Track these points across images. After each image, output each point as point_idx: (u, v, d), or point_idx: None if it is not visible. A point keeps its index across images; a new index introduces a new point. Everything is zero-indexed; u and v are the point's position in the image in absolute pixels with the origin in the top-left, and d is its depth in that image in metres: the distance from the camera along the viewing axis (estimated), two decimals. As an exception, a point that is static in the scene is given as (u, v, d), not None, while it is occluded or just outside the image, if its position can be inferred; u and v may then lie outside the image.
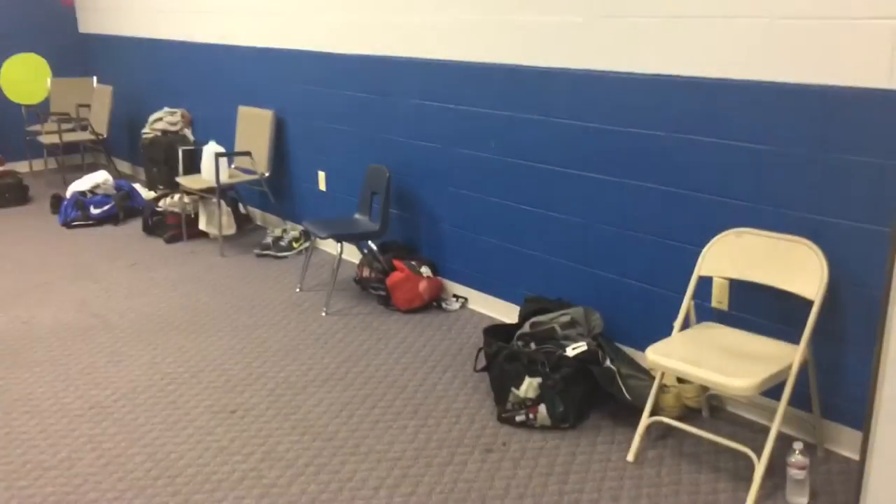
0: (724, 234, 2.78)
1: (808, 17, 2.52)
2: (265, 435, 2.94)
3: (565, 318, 3.18)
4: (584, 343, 3.02)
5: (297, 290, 4.39)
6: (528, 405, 2.92)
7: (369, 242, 4.23)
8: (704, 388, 2.94)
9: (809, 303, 2.52)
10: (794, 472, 2.42)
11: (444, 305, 4.07)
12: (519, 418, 2.94)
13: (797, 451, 2.41)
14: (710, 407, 3.02)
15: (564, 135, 3.40)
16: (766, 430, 2.49)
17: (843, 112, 2.50)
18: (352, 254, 4.74)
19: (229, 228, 5.34)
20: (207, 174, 5.09)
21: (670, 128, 2.99)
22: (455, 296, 4.15)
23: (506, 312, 3.88)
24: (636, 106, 3.09)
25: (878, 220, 2.49)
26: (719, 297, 2.96)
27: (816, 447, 2.72)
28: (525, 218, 3.68)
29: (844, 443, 2.71)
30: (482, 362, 3.26)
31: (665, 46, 2.94)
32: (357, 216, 4.40)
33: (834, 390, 2.70)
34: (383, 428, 2.96)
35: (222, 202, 5.19)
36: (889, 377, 1.97)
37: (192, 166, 5.53)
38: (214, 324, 3.96)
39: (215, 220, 5.19)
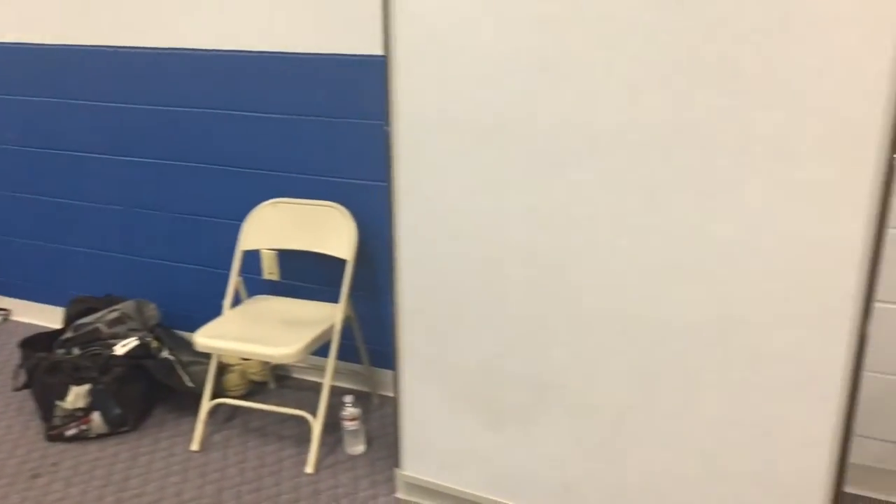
0: (260, 206, 2.79)
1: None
2: None
3: (114, 315, 2.95)
4: (135, 338, 2.83)
5: None
6: (80, 416, 2.66)
7: None
8: (266, 361, 2.96)
9: (346, 263, 2.66)
10: (347, 425, 2.55)
11: (-22, 323, 3.54)
12: (71, 432, 2.67)
13: (347, 405, 2.54)
14: (276, 377, 3.05)
15: (89, 117, 3.12)
16: (330, 391, 2.58)
17: (348, 78, 2.64)
18: None
19: None
20: None
21: (197, 103, 2.90)
22: (-7, 310, 3.63)
23: (58, 319, 3.50)
24: (165, 82, 2.94)
25: (382, 176, 2.69)
26: (269, 269, 2.99)
27: (371, 396, 2.91)
28: (62, 212, 3.33)
29: (392, 386, 2.92)
30: (24, 379, 2.89)
31: (187, 22, 2.83)
32: None
33: (378, 340, 2.90)
34: None
35: None
36: (402, 317, 2.15)
37: None
38: None
39: None
